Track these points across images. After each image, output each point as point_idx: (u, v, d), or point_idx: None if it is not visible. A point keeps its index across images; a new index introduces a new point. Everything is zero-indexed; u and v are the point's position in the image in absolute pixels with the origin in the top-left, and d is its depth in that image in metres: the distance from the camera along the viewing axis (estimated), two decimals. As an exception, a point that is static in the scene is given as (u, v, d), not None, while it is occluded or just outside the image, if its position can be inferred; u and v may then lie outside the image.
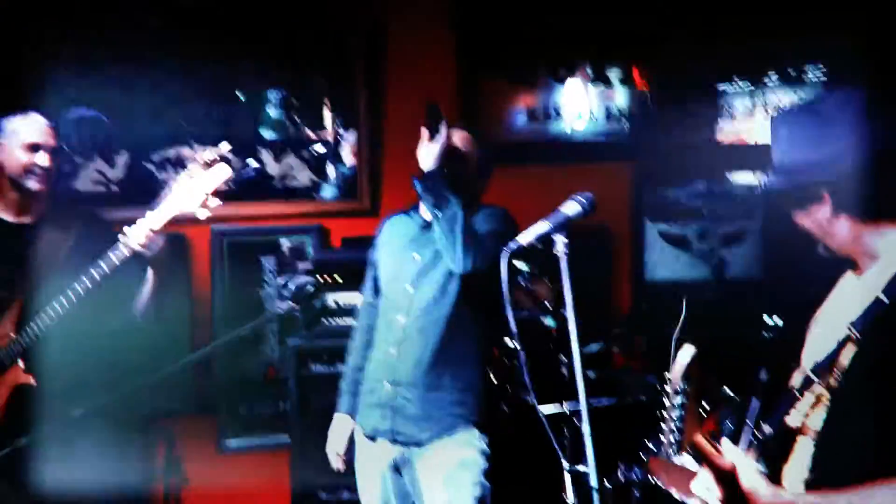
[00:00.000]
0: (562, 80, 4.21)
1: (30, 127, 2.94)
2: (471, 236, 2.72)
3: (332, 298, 3.53)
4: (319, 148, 3.98)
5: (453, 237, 2.70)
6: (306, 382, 3.58)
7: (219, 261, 3.86)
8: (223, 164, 2.87)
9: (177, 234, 3.73)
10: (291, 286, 2.33)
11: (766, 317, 2.93)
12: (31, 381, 2.86)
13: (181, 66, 3.79)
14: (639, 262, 4.31)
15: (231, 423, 3.95)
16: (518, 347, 1.87)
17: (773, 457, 1.80)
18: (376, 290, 3.03)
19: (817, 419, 1.75)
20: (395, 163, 4.00)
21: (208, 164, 3.69)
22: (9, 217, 3.00)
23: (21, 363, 2.87)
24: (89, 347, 2.96)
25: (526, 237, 1.79)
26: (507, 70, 4.17)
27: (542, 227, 1.80)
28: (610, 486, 3.34)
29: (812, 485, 1.74)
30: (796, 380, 1.85)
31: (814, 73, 4.39)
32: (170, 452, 3.78)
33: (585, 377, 3.33)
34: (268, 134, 3.93)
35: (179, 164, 3.84)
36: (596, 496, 1.57)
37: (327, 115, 3.99)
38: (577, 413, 3.37)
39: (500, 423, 2.95)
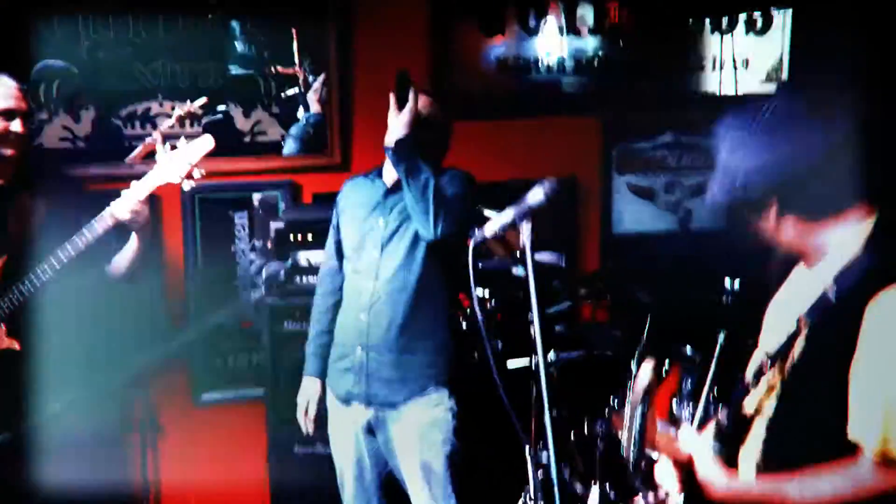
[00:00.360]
0: (533, 30, 4.19)
1: (2, 92, 2.90)
2: (440, 203, 2.75)
3: (304, 257, 3.56)
4: (290, 91, 3.94)
5: (426, 205, 2.74)
6: (280, 339, 3.62)
7: (190, 217, 3.87)
8: (208, 136, 2.87)
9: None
10: (264, 274, 2.36)
11: (726, 281, 3.01)
12: (15, 345, 2.90)
13: (146, 18, 3.73)
14: (607, 214, 4.38)
15: (206, 375, 4.00)
16: (481, 324, 1.93)
17: (730, 439, 1.89)
18: (339, 255, 3.08)
19: (770, 405, 1.85)
20: (365, 117, 3.98)
21: (183, 118, 3.69)
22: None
23: (3, 327, 2.90)
24: (68, 318, 2.99)
25: (491, 227, 1.83)
26: (480, 17, 4.14)
27: (506, 216, 1.84)
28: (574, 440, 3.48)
29: (763, 468, 1.84)
30: (752, 366, 1.94)
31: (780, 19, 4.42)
32: (146, 406, 3.87)
33: (551, 338, 3.45)
34: (235, 69, 3.87)
35: (147, 119, 3.81)
36: (557, 490, 1.63)
37: (295, 56, 3.94)
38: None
39: (468, 381, 3.03)
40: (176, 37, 3.77)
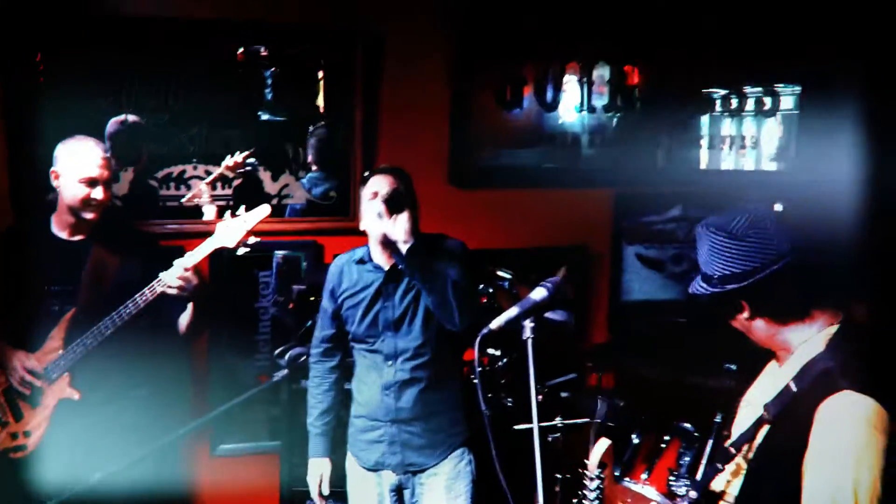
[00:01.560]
0: (550, 105, 4.38)
1: (87, 160, 3.11)
2: (460, 297, 2.90)
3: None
4: (320, 132, 4.13)
5: (449, 307, 2.90)
6: (297, 394, 3.77)
7: (216, 273, 4.05)
8: (266, 205, 3.12)
9: (177, 248, 3.92)
10: (287, 357, 2.54)
11: (725, 364, 3.16)
12: (76, 395, 3.09)
13: (182, 84, 3.95)
14: (616, 282, 4.53)
15: (224, 427, 4.15)
16: (485, 412, 2.08)
17: None
18: (335, 337, 3.24)
19: (736, 486, 2.00)
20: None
21: (232, 168, 3.87)
22: (63, 235, 3.20)
23: (67, 376, 3.09)
24: (115, 379, 3.18)
25: (497, 322, 1.99)
26: (498, 91, 4.33)
27: (511, 312, 2.00)
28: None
29: None
30: (721, 452, 2.09)
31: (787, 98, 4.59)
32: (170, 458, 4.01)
33: (557, 405, 3.59)
34: (266, 116, 4.07)
35: (182, 181, 4.02)
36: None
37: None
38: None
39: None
40: (210, 104, 3.98)
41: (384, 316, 3.09)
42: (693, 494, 2.06)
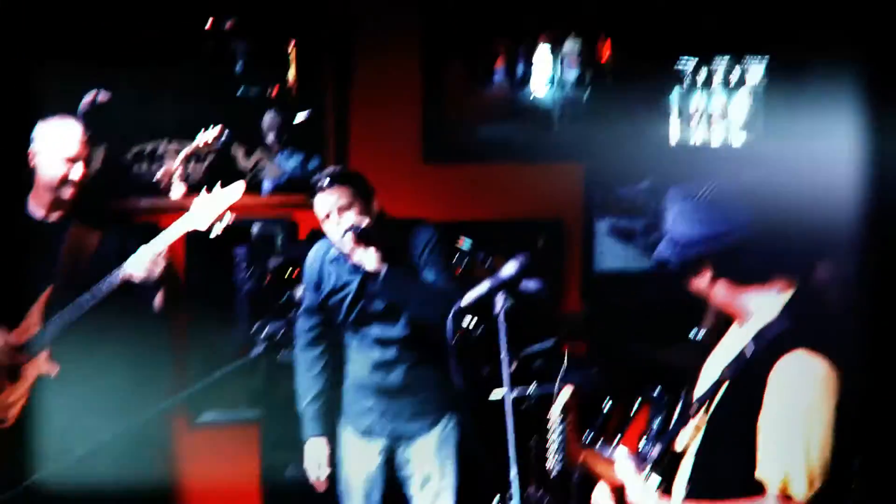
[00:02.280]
0: (521, 78, 4.41)
1: (67, 138, 3.13)
2: (437, 300, 2.94)
3: (299, 291, 3.77)
4: (301, 115, 4.15)
5: (426, 312, 3.00)
6: (275, 366, 3.82)
7: (193, 250, 4.08)
8: (240, 182, 3.16)
9: (153, 224, 3.94)
10: (264, 333, 2.59)
11: (694, 331, 3.25)
12: (55, 370, 3.12)
13: (151, 60, 3.94)
14: (589, 253, 4.61)
15: (204, 398, 4.19)
16: (457, 386, 2.15)
17: (665, 472, 2.13)
18: (323, 321, 3.33)
19: (696, 444, 2.09)
20: (361, 158, 4.20)
21: (209, 144, 3.89)
22: (40, 213, 3.21)
23: (46, 352, 3.11)
24: (94, 355, 3.22)
25: (468, 298, 2.05)
26: (469, 65, 4.36)
27: (483, 287, 2.06)
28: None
29: (688, 497, 2.09)
30: (683, 412, 2.18)
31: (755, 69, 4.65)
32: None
33: (531, 373, 3.67)
34: (237, 91, 4.08)
35: (154, 158, 4.03)
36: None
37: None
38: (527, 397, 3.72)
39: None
40: (181, 80, 3.98)
41: (369, 309, 3.15)
42: (655, 452, 2.14)
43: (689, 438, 2.14)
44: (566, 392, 1.83)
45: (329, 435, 3.39)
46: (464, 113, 4.36)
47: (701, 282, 2.09)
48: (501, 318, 2.00)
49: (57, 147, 3.11)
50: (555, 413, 1.78)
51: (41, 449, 2.96)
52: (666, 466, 2.14)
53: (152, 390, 3.69)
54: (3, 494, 2.37)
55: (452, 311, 2.01)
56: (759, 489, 1.96)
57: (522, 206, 4.43)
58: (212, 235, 3.13)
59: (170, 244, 3.11)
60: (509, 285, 2.08)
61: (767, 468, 1.94)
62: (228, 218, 3.13)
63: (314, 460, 3.37)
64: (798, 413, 1.90)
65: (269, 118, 4.11)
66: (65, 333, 3.12)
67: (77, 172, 3.13)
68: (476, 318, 4.03)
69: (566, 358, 3.20)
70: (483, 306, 3.96)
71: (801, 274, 2.07)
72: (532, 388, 3.73)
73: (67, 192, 3.16)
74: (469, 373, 3.72)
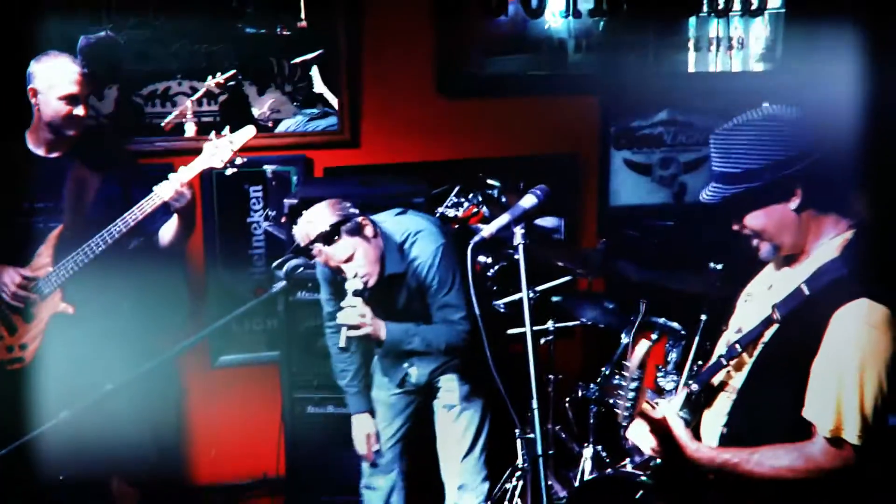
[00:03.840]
0: (535, 11, 4.32)
1: (65, 77, 3.10)
2: (444, 336, 3.07)
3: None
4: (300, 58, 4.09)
5: (438, 349, 3.13)
6: (294, 306, 3.84)
7: (208, 190, 4.07)
8: (251, 126, 3.17)
9: (160, 165, 3.94)
10: (285, 268, 2.59)
11: (710, 265, 3.23)
12: (69, 309, 3.15)
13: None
14: (605, 188, 4.57)
15: (222, 339, 4.24)
16: (482, 329, 2.15)
17: (697, 409, 2.12)
18: None
19: (738, 380, 2.08)
20: (374, 95, 4.17)
21: (221, 85, 3.88)
22: (40, 151, 3.22)
23: (59, 292, 3.15)
24: (111, 294, 3.26)
25: (488, 230, 2.03)
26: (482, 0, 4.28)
27: (502, 219, 2.03)
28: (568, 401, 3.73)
29: (725, 437, 2.07)
30: (722, 345, 2.16)
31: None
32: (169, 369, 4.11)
33: (548, 309, 3.67)
34: (249, 29, 4.02)
35: (167, 98, 4.00)
36: (542, 463, 1.87)
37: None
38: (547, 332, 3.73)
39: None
40: (193, 19, 3.93)
41: (387, 311, 3.12)
42: (694, 387, 2.13)
43: (728, 373, 2.12)
44: (644, 345, 1.79)
45: (371, 410, 3.44)
46: (477, 46, 4.28)
47: (778, 216, 2.01)
48: (521, 250, 1.98)
49: (56, 86, 3.09)
50: (633, 366, 1.74)
51: (61, 389, 2.99)
52: (696, 404, 2.13)
53: (171, 332, 3.73)
54: (25, 434, 2.41)
55: (472, 243, 2.00)
56: (803, 433, 1.96)
57: (537, 140, 4.38)
58: (227, 173, 3.16)
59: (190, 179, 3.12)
60: (530, 217, 2.07)
61: (818, 411, 1.93)
62: (240, 160, 3.14)
63: (361, 436, 3.42)
64: (857, 360, 1.89)
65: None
66: (78, 274, 3.13)
67: (80, 110, 3.11)
68: (491, 258, 4.04)
69: (641, 310, 3.17)
70: (496, 244, 4.04)
71: (858, 214, 2.02)
72: (550, 324, 3.75)
73: (71, 131, 3.15)
74: (487, 306, 3.75)
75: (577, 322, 3.79)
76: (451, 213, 4.17)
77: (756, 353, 2.06)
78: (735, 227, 2.08)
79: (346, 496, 3.85)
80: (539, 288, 3.84)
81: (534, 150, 4.37)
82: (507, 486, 3.71)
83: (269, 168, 4.14)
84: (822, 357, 1.93)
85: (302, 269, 2.67)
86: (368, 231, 2.95)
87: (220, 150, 3.13)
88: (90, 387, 2.55)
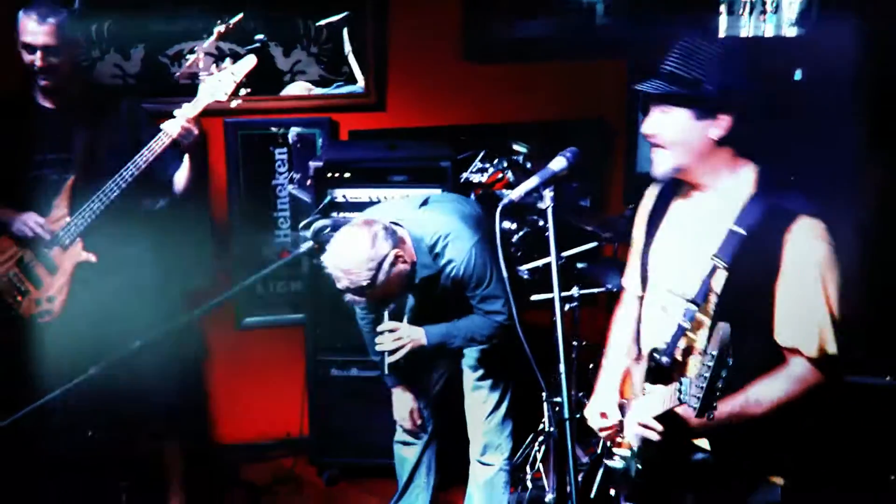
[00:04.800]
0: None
1: (25, 27, 3.09)
2: (485, 330, 3.03)
3: (340, 193, 3.77)
4: (326, 20, 4.05)
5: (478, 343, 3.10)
6: (318, 268, 3.84)
7: (233, 152, 4.07)
8: (252, 56, 3.12)
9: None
10: (311, 230, 2.58)
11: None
12: (92, 257, 3.18)
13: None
14: (632, 154, 4.52)
15: (247, 301, 4.26)
16: (513, 306, 2.13)
17: (664, 378, 2.14)
18: None
19: (702, 339, 2.11)
20: (399, 58, 4.14)
21: (229, 27, 3.86)
22: (46, 104, 3.23)
23: (80, 242, 3.18)
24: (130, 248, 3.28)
25: (517, 192, 2.00)
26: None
27: (531, 182, 2.01)
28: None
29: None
30: (672, 310, 2.16)
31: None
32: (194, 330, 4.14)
33: (573, 275, 3.64)
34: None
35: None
36: (568, 427, 1.86)
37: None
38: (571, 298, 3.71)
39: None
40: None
41: (423, 309, 3.13)
42: (665, 360, 2.13)
43: (688, 339, 2.13)
44: (722, 328, 1.77)
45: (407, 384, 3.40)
46: (504, 9, 4.22)
47: (696, 133, 2.03)
48: (550, 213, 1.96)
49: (20, 35, 3.09)
50: (713, 348, 1.72)
51: (89, 340, 3.02)
52: (662, 376, 2.15)
53: (196, 293, 3.76)
54: (57, 387, 2.44)
55: (500, 206, 1.98)
56: (775, 359, 2.03)
57: (564, 105, 4.33)
58: (232, 105, 3.13)
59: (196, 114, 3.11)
60: (559, 180, 2.05)
61: (799, 333, 2.00)
62: (244, 92, 3.13)
63: (404, 412, 3.39)
64: (818, 274, 1.97)
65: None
66: (100, 226, 3.15)
67: (37, 60, 3.08)
68: (516, 224, 4.02)
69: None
70: (520, 210, 4.01)
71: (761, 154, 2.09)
72: (575, 290, 3.72)
73: (42, 81, 3.14)
74: (511, 273, 3.74)
75: (603, 289, 3.76)
76: (475, 178, 4.14)
77: (712, 306, 2.08)
78: (645, 132, 2.14)
79: (369, 458, 3.90)
80: (564, 254, 3.81)
81: (560, 114, 4.32)
82: (530, 450, 3.74)
83: (294, 130, 4.13)
84: (785, 283, 1.99)
85: (329, 230, 2.65)
86: (400, 264, 2.82)
87: (223, 83, 3.10)
88: (117, 337, 2.57)
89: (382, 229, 2.77)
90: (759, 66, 2.09)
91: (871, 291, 3.36)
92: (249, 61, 3.14)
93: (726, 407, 1.99)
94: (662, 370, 2.13)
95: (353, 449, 3.97)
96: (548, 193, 1.98)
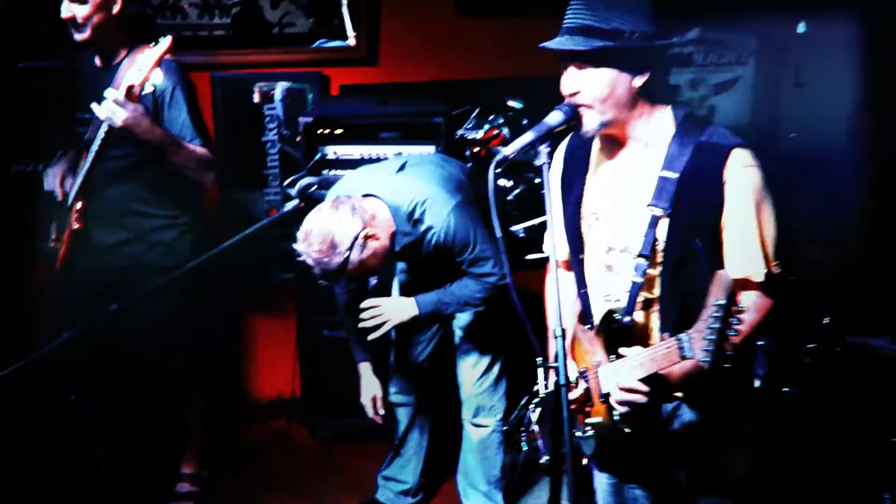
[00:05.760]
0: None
1: None
2: (479, 292, 2.95)
3: (331, 150, 3.67)
4: None
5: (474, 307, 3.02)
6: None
7: (220, 108, 3.96)
8: (168, 37, 2.91)
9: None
10: (297, 186, 2.50)
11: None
12: (76, 225, 3.16)
13: None
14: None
15: (239, 261, 4.15)
16: (506, 266, 2.07)
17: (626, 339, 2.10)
18: None
19: (656, 288, 2.09)
20: (391, 11, 4.03)
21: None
22: (97, 62, 3.20)
23: (81, 205, 3.16)
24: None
25: (512, 147, 1.91)
26: None
27: (526, 137, 1.92)
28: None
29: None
30: (618, 267, 2.13)
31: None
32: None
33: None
34: None
35: (178, 9, 3.87)
36: (564, 393, 1.79)
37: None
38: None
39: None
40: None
41: (413, 276, 3.08)
42: (627, 319, 2.09)
43: (644, 295, 2.09)
44: (723, 276, 1.73)
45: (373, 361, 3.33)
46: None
47: (615, 82, 2.00)
48: (546, 169, 1.87)
49: None
50: (717, 297, 1.66)
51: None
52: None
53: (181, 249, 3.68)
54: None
55: (494, 162, 1.89)
56: None
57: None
58: (144, 92, 2.91)
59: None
60: (556, 135, 1.97)
61: (748, 261, 2.01)
62: (158, 76, 2.90)
63: (367, 398, 3.31)
64: (755, 200, 1.99)
65: None
66: (86, 185, 3.12)
67: (68, 11, 3.00)
68: (511, 181, 3.93)
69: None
70: (515, 168, 3.92)
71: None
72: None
73: (77, 35, 3.04)
74: (506, 232, 3.66)
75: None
76: (470, 135, 4.04)
77: (660, 256, 2.05)
78: (567, 92, 2.06)
79: (361, 420, 3.85)
80: (560, 212, 3.73)
81: (556, 70, 4.20)
82: (525, 412, 3.69)
83: (283, 85, 4.01)
84: (730, 216, 1.99)
85: (315, 187, 2.57)
86: (372, 242, 2.73)
87: (140, 63, 2.90)
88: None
89: (350, 210, 2.69)
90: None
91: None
92: (164, 44, 2.89)
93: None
94: (624, 330, 2.09)
95: (346, 410, 3.91)
96: (544, 149, 1.89)
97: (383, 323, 2.95)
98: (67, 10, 3.01)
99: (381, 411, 3.32)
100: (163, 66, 2.93)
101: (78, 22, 3.01)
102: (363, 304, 2.96)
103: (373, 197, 2.83)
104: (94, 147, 3.02)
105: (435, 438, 3.56)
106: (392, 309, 2.97)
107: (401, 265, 3.12)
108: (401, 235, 2.83)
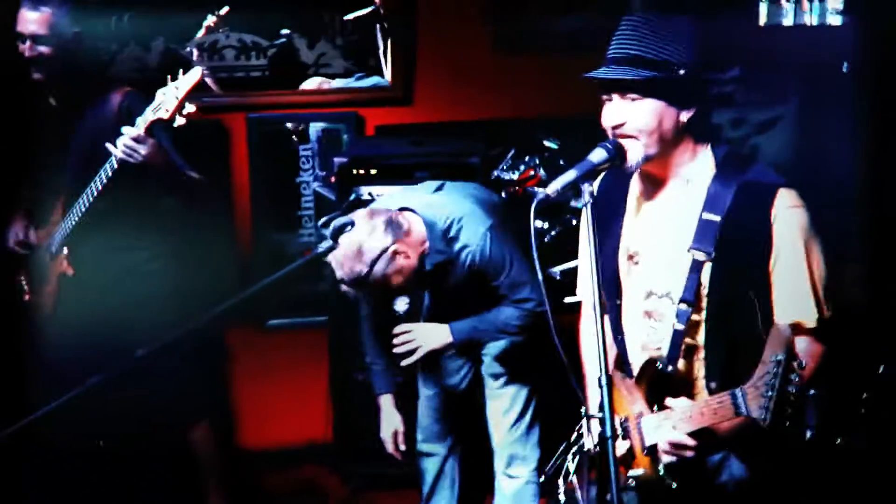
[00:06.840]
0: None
1: (19, 14, 2.97)
2: (514, 321, 2.87)
3: (366, 190, 3.63)
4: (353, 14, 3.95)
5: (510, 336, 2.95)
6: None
7: (255, 148, 3.96)
8: (197, 68, 2.87)
9: (215, 121, 3.84)
10: (332, 226, 2.46)
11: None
12: (69, 271, 3.06)
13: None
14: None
15: (272, 303, 4.13)
16: (544, 294, 2.00)
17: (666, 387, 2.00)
18: None
19: (700, 336, 1.99)
20: (427, 52, 4.03)
21: (212, 28, 3.73)
22: (53, 102, 3.11)
23: (66, 251, 3.07)
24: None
25: (554, 186, 1.84)
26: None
27: (568, 175, 1.85)
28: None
29: (716, 391, 1.95)
30: (659, 314, 2.03)
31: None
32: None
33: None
34: None
35: (215, 50, 3.88)
36: (610, 445, 1.70)
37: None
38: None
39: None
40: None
41: (445, 302, 2.98)
42: (670, 368, 1.99)
43: (687, 343, 2.00)
44: (782, 329, 1.67)
45: (396, 393, 3.24)
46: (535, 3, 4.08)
47: (662, 119, 1.92)
48: (589, 209, 1.79)
49: (17, 24, 2.97)
50: (776, 353, 1.59)
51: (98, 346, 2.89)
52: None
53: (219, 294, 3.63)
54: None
55: (535, 201, 1.82)
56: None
57: (599, 99, 4.16)
58: (175, 125, 2.84)
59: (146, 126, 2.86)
60: (598, 173, 1.90)
61: (801, 306, 1.93)
62: (189, 109, 2.83)
63: (388, 432, 3.21)
64: (804, 242, 1.91)
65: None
66: (77, 230, 3.03)
67: (25, 50, 2.95)
68: (547, 223, 3.87)
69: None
70: (552, 209, 3.86)
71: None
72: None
73: (35, 74, 3.00)
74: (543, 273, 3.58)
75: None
76: (506, 176, 3.99)
77: (705, 301, 1.95)
78: (611, 124, 1.99)
79: (396, 467, 3.76)
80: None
81: (594, 109, 4.14)
82: (562, 461, 3.57)
83: (318, 126, 4.00)
84: (780, 259, 1.92)
85: (350, 227, 2.53)
86: (401, 260, 2.68)
87: (166, 99, 2.82)
88: (120, 343, 2.46)
89: (384, 222, 2.67)
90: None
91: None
92: (193, 75, 2.83)
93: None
94: (666, 379, 1.99)
95: (377, 455, 3.81)
96: (586, 188, 1.81)
97: (416, 350, 2.86)
98: (25, 48, 2.97)
99: (402, 447, 3.21)
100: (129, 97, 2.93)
101: (30, 59, 2.98)
102: (396, 330, 2.89)
103: (409, 211, 2.80)
104: (96, 188, 2.94)
105: (465, 491, 3.42)
106: (425, 335, 2.89)
107: (427, 300, 3.05)
108: (434, 253, 2.77)
